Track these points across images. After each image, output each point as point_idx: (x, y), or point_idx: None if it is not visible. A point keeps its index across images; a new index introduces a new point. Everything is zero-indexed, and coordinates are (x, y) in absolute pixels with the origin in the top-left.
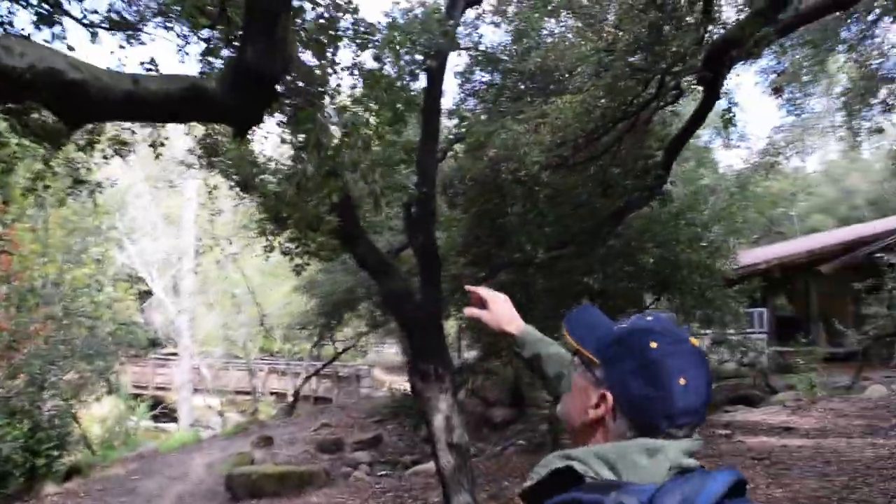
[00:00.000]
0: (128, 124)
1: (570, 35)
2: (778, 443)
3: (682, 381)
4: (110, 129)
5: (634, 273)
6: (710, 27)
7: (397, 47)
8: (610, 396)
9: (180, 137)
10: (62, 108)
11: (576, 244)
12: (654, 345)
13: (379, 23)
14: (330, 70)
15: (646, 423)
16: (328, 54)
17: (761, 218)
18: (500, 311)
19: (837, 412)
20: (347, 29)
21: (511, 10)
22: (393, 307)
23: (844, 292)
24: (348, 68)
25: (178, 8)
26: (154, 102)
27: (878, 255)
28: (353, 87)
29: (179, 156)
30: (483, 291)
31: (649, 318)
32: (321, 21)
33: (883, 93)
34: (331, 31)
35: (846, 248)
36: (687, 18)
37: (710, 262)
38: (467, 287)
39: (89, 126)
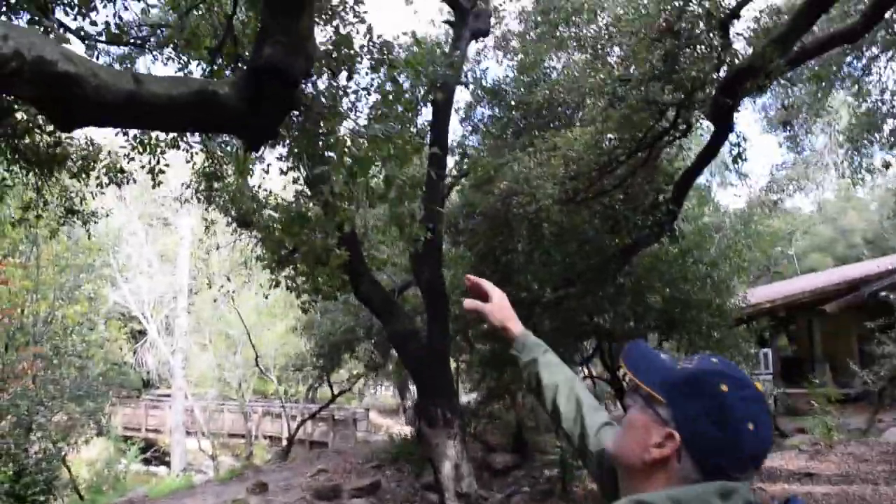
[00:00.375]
0: (125, 148)
1: (577, 67)
2: (801, 489)
3: (751, 427)
4: (105, 155)
5: (643, 313)
6: (726, 55)
7: (417, 66)
8: (678, 436)
9: (178, 169)
10: (53, 106)
11: (583, 282)
12: (724, 388)
13: (395, 43)
14: (341, 93)
15: (713, 465)
16: (343, 72)
17: (764, 257)
18: (503, 306)
19: (857, 457)
20: (363, 47)
21: (514, 44)
22: (398, 347)
23: (848, 331)
24: (364, 89)
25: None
26: (158, 106)
27: (883, 293)
28: (372, 107)
29: (175, 192)
30: (486, 284)
31: (714, 360)
32: (335, 37)
33: (886, 129)
34: (345, 49)
35: (850, 287)
36: (700, 47)
37: (720, 302)
38: (467, 276)
39: (83, 151)
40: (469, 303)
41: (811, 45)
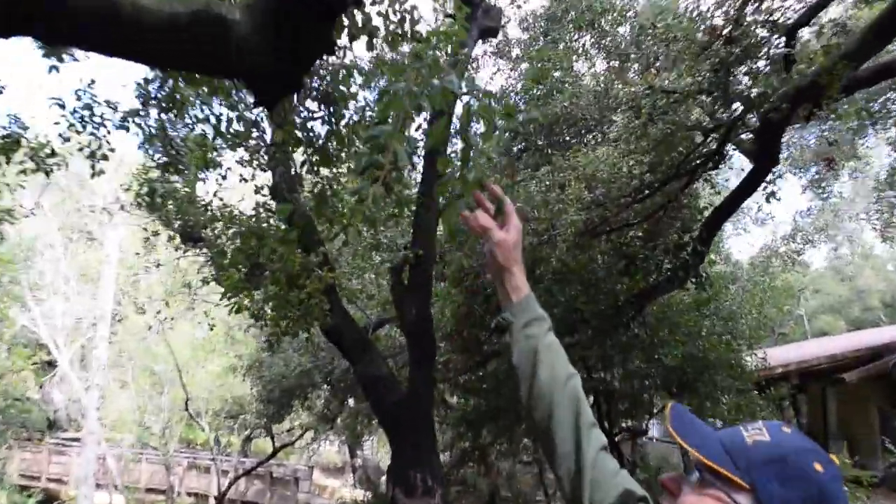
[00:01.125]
0: (59, 125)
1: (600, 77)
2: None
3: None
4: (32, 133)
5: (654, 371)
6: (793, 68)
7: (454, 38)
8: None
9: (110, 174)
10: None
11: (590, 329)
12: (819, 468)
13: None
14: (344, 73)
15: None
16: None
17: (778, 314)
18: (518, 243)
19: None
20: (382, 14)
21: (516, 52)
22: (370, 394)
23: (868, 404)
24: (379, 65)
25: None
26: (144, 26)
27: None
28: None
29: (105, 201)
30: (508, 205)
31: (787, 429)
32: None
33: None
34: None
35: (873, 355)
36: (756, 60)
37: (737, 361)
38: (488, 184)
39: (4, 129)
40: (482, 219)
41: (864, 74)
